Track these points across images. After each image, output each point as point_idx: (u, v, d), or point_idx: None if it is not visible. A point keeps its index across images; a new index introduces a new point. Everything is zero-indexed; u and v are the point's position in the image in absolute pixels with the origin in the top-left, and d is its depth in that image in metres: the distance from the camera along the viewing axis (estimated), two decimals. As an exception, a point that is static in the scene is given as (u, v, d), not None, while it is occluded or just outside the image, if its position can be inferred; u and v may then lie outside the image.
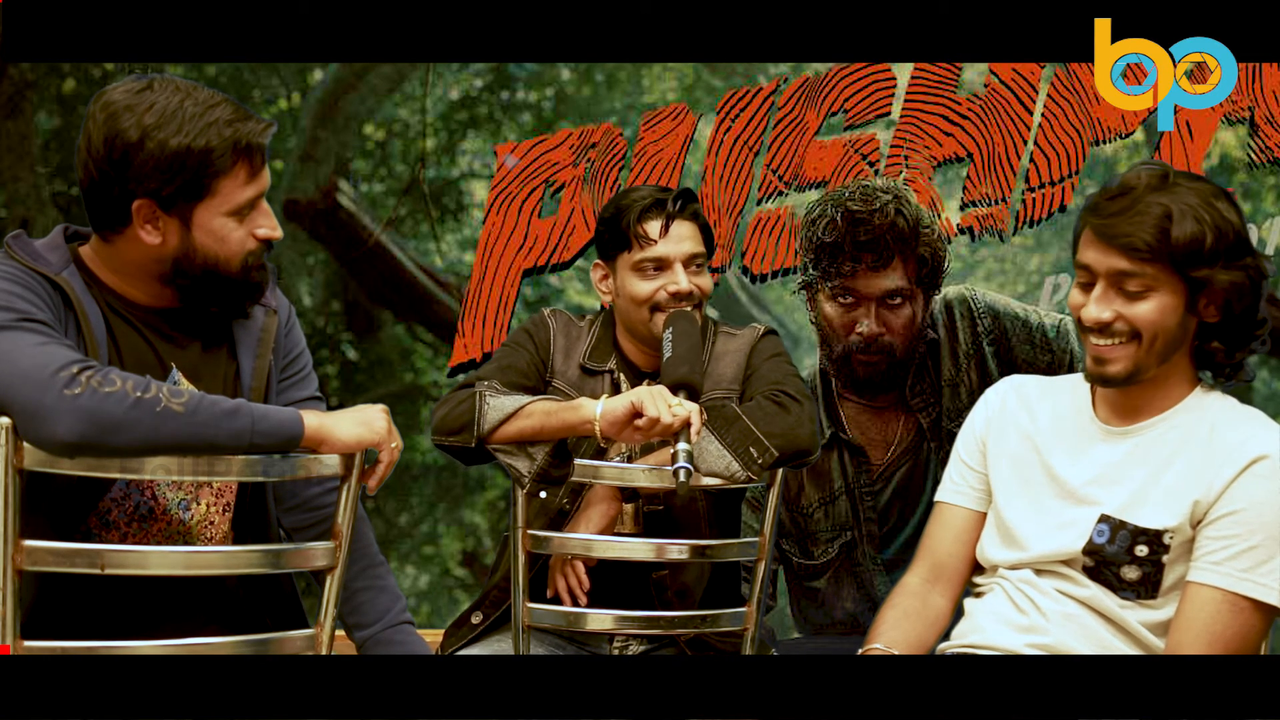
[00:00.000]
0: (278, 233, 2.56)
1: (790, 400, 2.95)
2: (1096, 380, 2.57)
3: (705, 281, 3.08)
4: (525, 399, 2.85)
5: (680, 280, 3.03)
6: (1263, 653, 2.56)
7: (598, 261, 3.14)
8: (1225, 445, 2.53)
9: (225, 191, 2.49)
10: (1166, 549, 2.52)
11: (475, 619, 3.04)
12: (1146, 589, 2.53)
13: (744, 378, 3.08)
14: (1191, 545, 2.52)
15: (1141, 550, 2.52)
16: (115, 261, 2.54)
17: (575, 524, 2.94)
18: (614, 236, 3.07)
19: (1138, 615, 2.54)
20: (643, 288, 3.04)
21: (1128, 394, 2.60)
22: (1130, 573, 2.53)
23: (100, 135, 2.45)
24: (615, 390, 3.05)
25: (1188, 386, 2.60)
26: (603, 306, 3.24)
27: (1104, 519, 2.55)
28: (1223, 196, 2.52)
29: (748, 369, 3.08)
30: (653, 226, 3.04)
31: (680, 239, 3.05)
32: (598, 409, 2.79)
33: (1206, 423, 2.56)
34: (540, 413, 2.83)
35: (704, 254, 3.09)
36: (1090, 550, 2.55)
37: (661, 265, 3.04)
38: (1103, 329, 2.52)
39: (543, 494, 2.87)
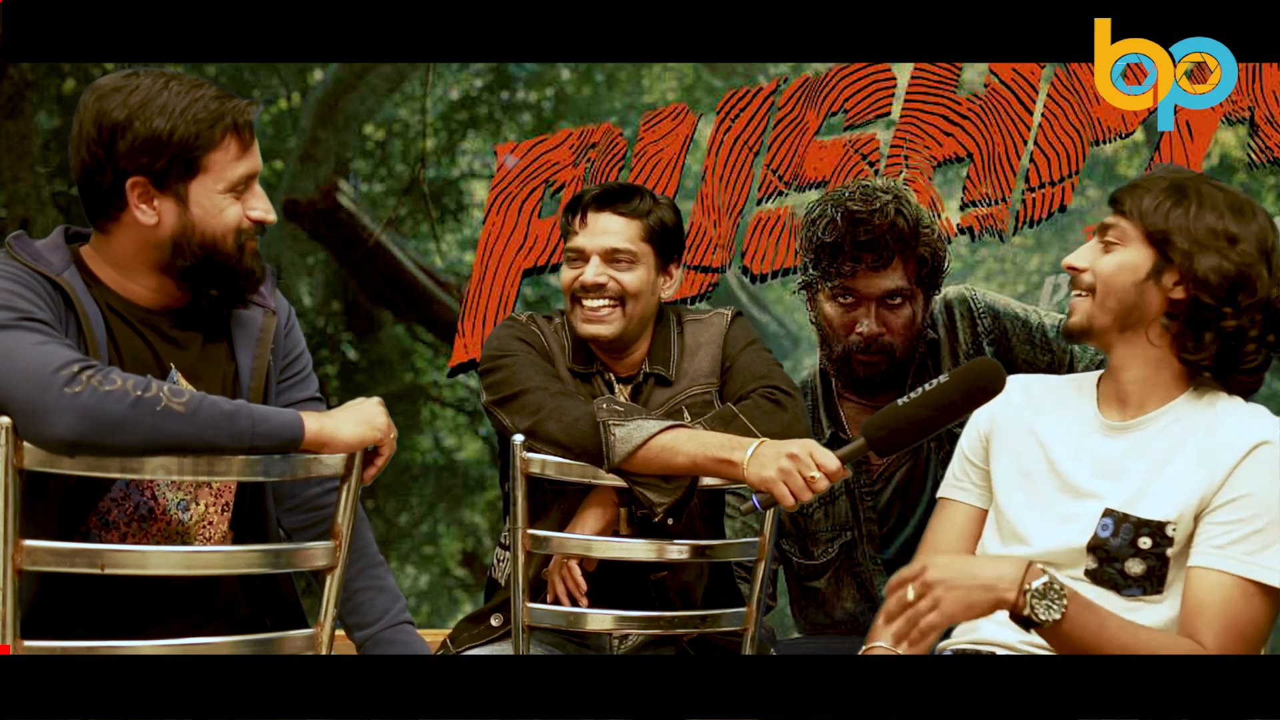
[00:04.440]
0: (272, 216, 2.57)
1: (785, 396, 2.95)
2: (1064, 335, 2.66)
3: (628, 278, 3.02)
4: (648, 427, 2.83)
5: (587, 273, 3.01)
6: (1264, 649, 2.56)
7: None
8: (1227, 434, 2.53)
9: (217, 167, 2.50)
10: (1170, 541, 2.51)
11: (495, 621, 3.03)
12: (1152, 583, 2.53)
13: (721, 370, 3.07)
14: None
15: (1145, 543, 2.52)
16: (113, 255, 2.54)
17: (571, 527, 2.94)
18: (561, 227, 3.12)
19: (1142, 619, 2.53)
20: (566, 276, 3.06)
21: (1124, 387, 2.62)
22: (1135, 566, 2.53)
23: (90, 118, 2.48)
24: (610, 390, 3.05)
25: (1181, 381, 2.60)
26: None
27: (1108, 513, 2.55)
28: (1244, 208, 2.55)
29: (724, 360, 3.06)
30: (575, 219, 3.05)
31: (603, 232, 3.02)
32: (747, 458, 2.75)
33: (1207, 416, 2.56)
34: (689, 452, 2.81)
35: (631, 252, 3.02)
36: (1094, 546, 2.55)
37: (581, 256, 3.03)
38: (1072, 277, 2.63)
39: (670, 521, 2.87)
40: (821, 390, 3.49)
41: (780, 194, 4.23)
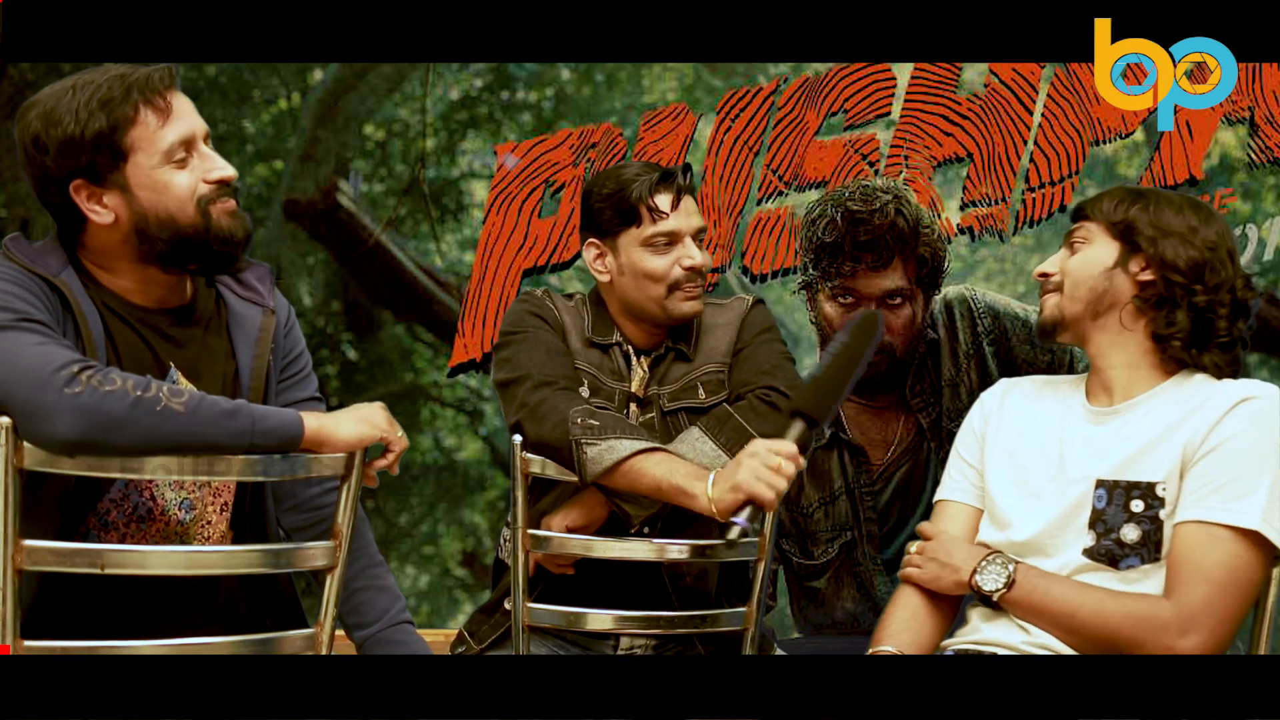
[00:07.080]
0: (229, 171, 2.53)
1: (782, 399, 2.95)
2: (1039, 333, 2.77)
3: (708, 255, 3.08)
4: (619, 449, 2.83)
5: (695, 254, 3.02)
6: (1270, 603, 2.58)
7: (593, 240, 3.07)
8: (1214, 397, 2.57)
9: (142, 143, 2.47)
10: (1161, 502, 2.54)
11: (508, 604, 3.03)
12: (1149, 550, 2.54)
13: (734, 351, 3.07)
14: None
15: (1137, 506, 2.55)
16: (98, 258, 2.54)
17: (553, 517, 2.94)
18: (619, 212, 3.02)
19: (1144, 590, 2.54)
20: (659, 263, 3.01)
21: (1107, 375, 2.66)
22: (1130, 533, 2.55)
23: (19, 141, 2.49)
24: (627, 363, 3.05)
25: (1164, 369, 2.64)
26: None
27: (1100, 484, 2.59)
28: (1201, 207, 2.67)
29: (738, 343, 3.07)
30: (664, 200, 3.01)
31: (689, 212, 3.04)
32: (709, 487, 2.74)
33: (1197, 394, 2.60)
34: (654, 477, 2.81)
35: (705, 227, 3.10)
36: (1094, 520, 2.56)
37: (673, 239, 3.02)
38: (1042, 281, 2.72)
39: (646, 530, 2.90)
40: (821, 390, 3.48)
41: (780, 194, 4.23)
